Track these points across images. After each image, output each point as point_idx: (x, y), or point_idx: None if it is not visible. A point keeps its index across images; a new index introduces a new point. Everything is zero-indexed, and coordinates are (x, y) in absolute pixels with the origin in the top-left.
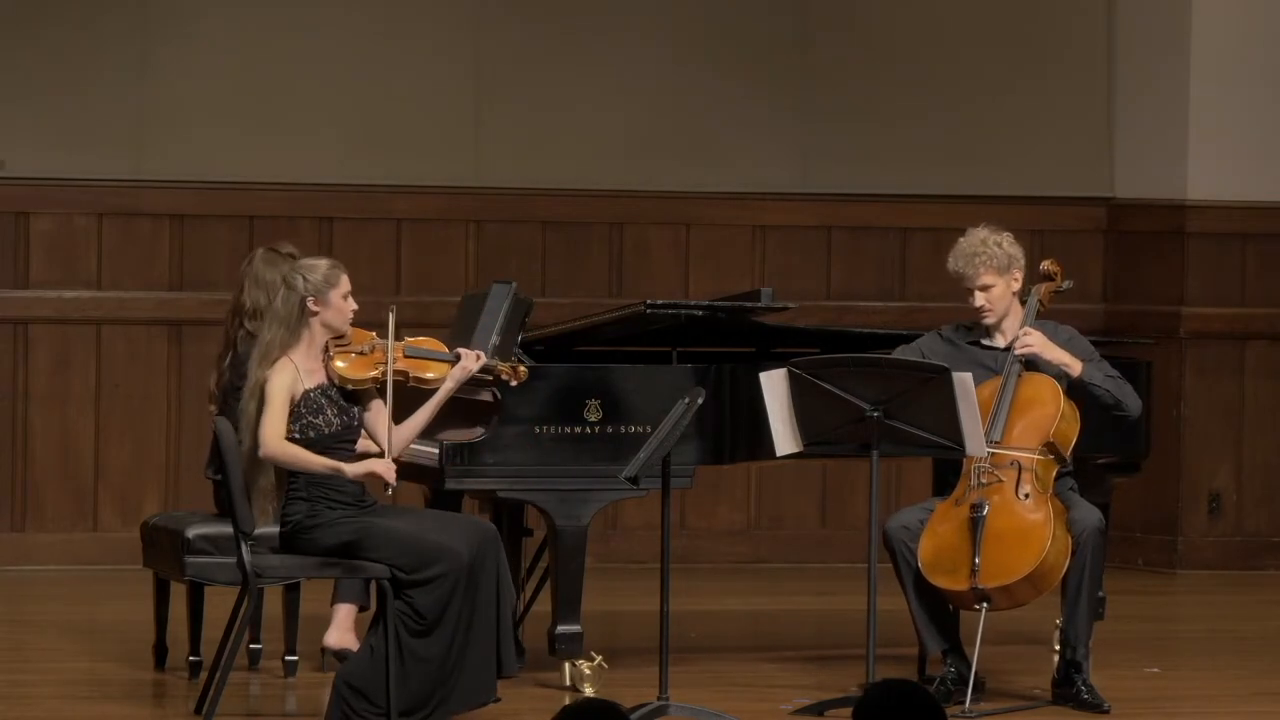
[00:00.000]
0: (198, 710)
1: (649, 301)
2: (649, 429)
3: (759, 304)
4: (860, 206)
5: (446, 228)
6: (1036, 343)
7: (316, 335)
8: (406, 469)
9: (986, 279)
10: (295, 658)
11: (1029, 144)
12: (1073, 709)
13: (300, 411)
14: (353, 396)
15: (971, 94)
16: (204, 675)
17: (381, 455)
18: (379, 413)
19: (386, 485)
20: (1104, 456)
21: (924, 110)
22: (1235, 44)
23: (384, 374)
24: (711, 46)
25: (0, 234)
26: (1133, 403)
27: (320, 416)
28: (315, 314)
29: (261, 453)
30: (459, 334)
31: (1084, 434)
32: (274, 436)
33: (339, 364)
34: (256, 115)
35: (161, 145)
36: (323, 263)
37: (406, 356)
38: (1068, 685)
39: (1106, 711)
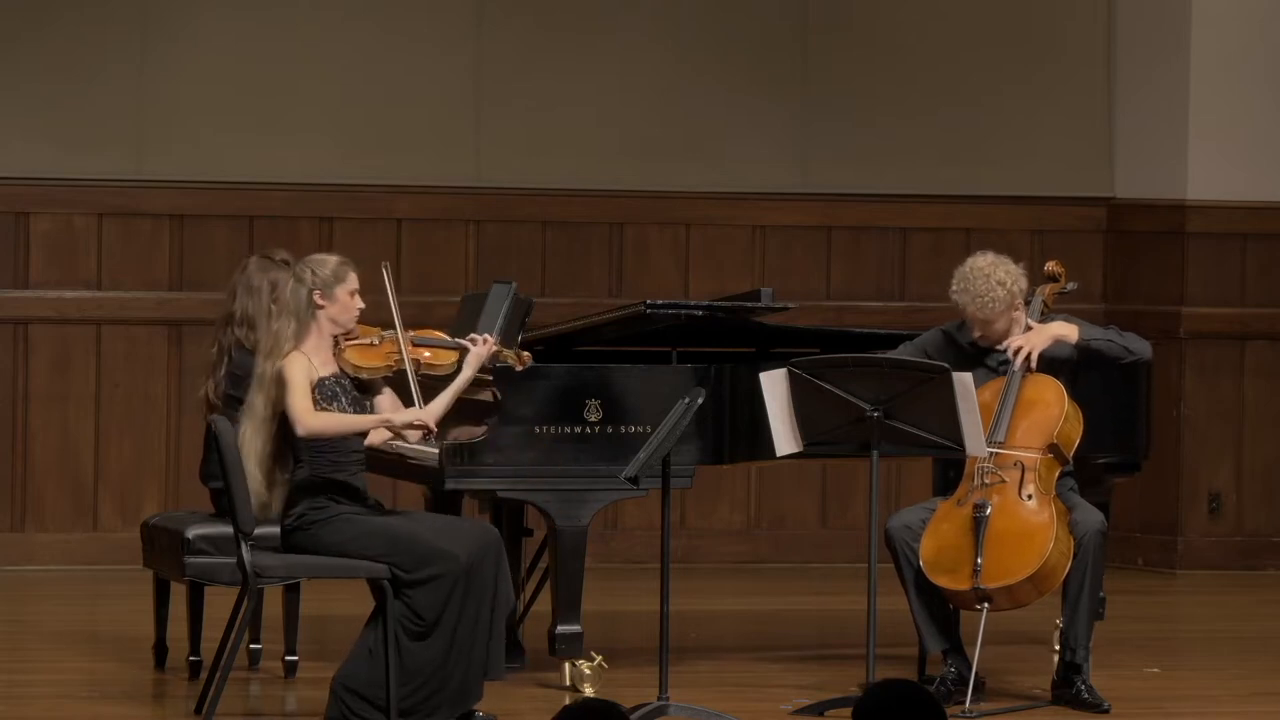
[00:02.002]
0: (198, 710)
1: (649, 301)
2: (649, 429)
3: (759, 304)
4: (860, 206)
5: (446, 228)
6: (1027, 343)
7: (324, 329)
8: (407, 469)
9: (990, 319)
10: (295, 658)
11: (1029, 144)
12: (1073, 709)
13: (315, 398)
14: (364, 387)
15: (971, 94)
16: (204, 675)
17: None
18: (391, 397)
19: (429, 432)
20: (1104, 456)
21: (924, 110)
22: (1235, 44)
23: (398, 363)
24: (711, 46)
25: (0, 234)
26: (1139, 345)
27: (335, 404)
28: (321, 308)
29: (302, 431)
30: (459, 334)
31: (1084, 434)
32: (307, 411)
33: (351, 355)
34: (256, 115)
35: (161, 145)
36: (332, 259)
37: (415, 345)
38: (1067, 686)
39: (1106, 711)
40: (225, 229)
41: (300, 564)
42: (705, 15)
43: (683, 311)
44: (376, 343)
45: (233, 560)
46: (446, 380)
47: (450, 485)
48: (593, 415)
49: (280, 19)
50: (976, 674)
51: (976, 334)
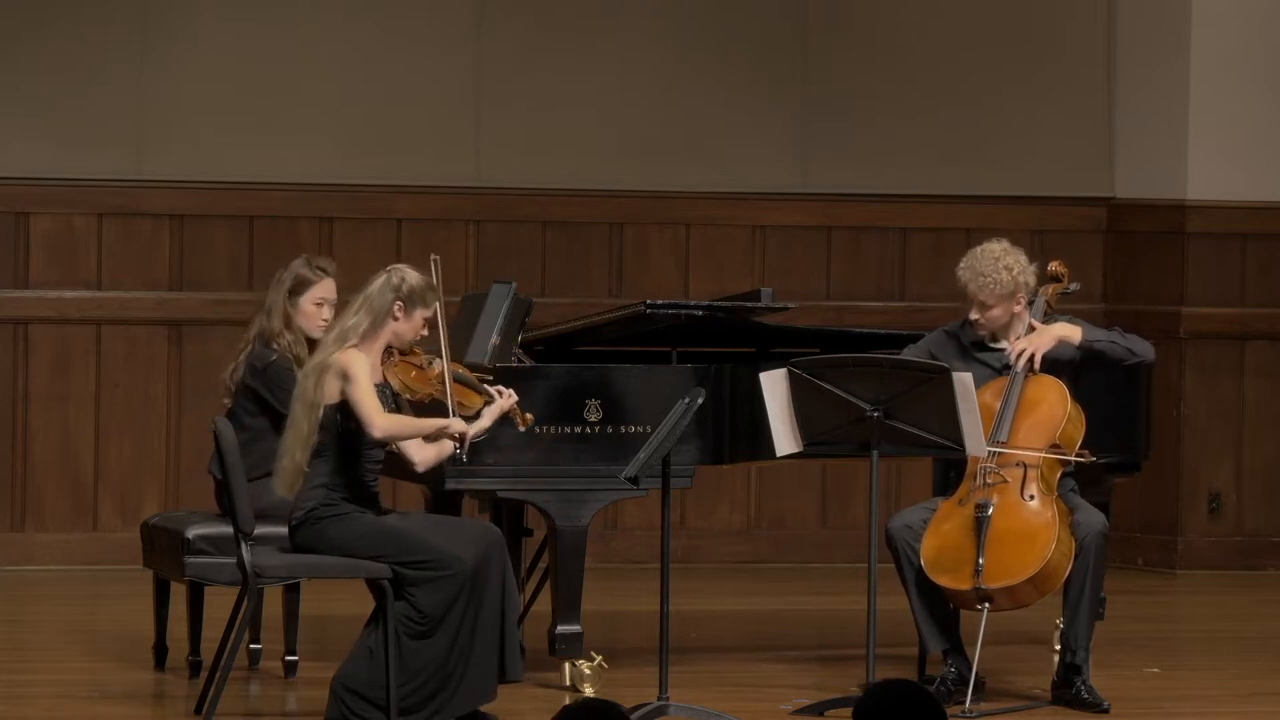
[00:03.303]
0: (198, 710)
1: (649, 301)
2: (649, 429)
3: (759, 304)
4: (860, 206)
5: (446, 228)
6: (1030, 345)
7: (384, 339)
8: (407, 469)
9: (988, 301)
10: (295, 658)
11: (1029, 144)
12: (1072, 709)
13: None
14: (398, 403)
15: (971, 94)
16: (204, 675)
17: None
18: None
19: (459, 446)
20: (1104, 456)
21: (924, 110)
22: (1235, 44)
23: (440, 392)
24: (711, 46)
25: (0, 234)
26: (1142, 348)
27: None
28: (395, 320)
29: (378, 434)
30: (458, 334)
31: (1084, 434)
32: (377, 412)
33: (402, 371)
34: (257, 115)
35: (162, 145)
36: (424, 278)
37: (455, 380)
38: (1067, 686)
39: (1106, 711)
40: (225, 229)
41: (300, 564)
42: (705, 15)
43: (683, 311)
44: (425, 365)
45: (233, 560)
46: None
47: (450, 485)
48: (593, 415)
49: (280, 19)
50: (977, 674)
51: (974, 317)
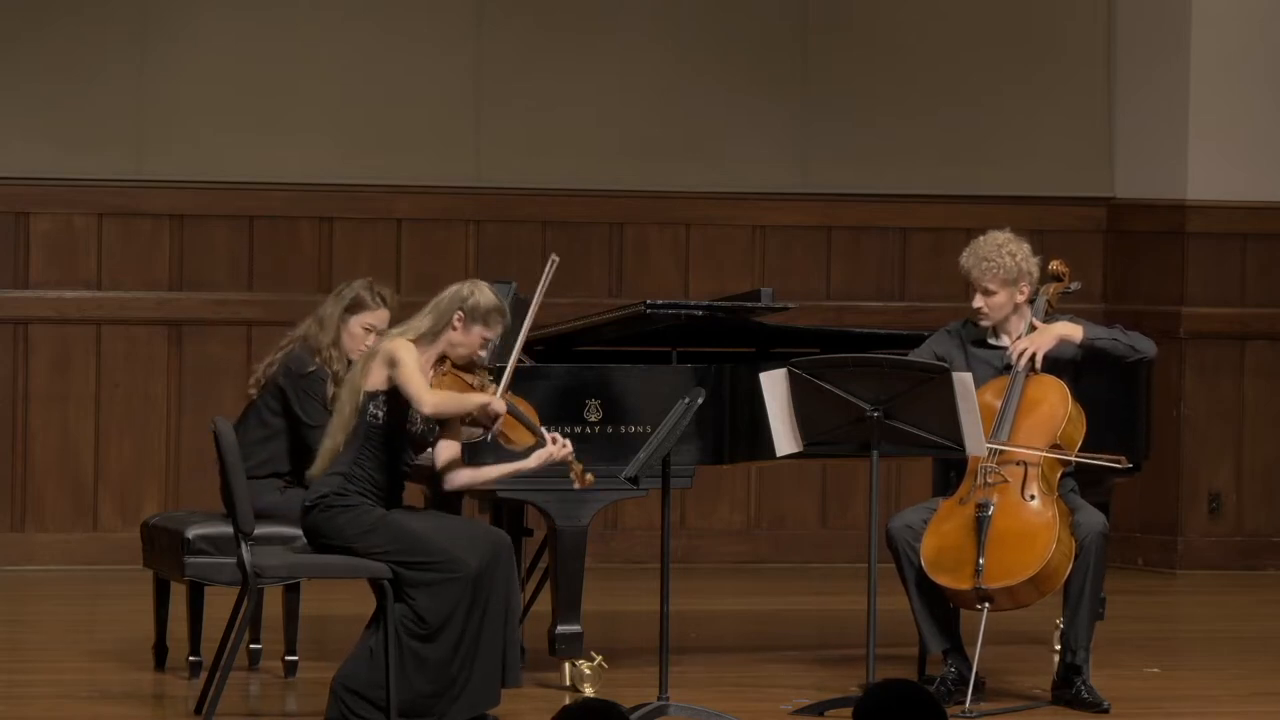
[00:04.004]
0: (198, 710)
1: (649, 301)
2: (649, 429)
3: (759, 304)
4: (860, 206)
5: (446, 228)
6: (1031, 344)
7: (440, 347)
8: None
9: (991, 286)
10: (295, 658)
11: (1029, 144)
12: (1072, 709)
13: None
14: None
15: (971, 94)
16: (204, 675)
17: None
18: (453, 442)
19: (487, 429)
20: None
21: (923, 110)
22: (1235, 44)
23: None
24: (711, 46)
25: (0, 234)
26: (1144, 344)
27: (413, 410)
28: (454, 330)
29: (429, 410)
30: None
31: (1085, 434)
32: (425, 389)
33: (451, 383)
34: (257, 115)
35: (162, 145)
36: (494, 301)
37: (507, 412)
38: (1067, 686)
39: (1106, 711)
40: (225, 229)
41: (301, 564)
42: (705, 15)
43: (683, 311)
44: (478, 386)
45: (233, 560)
46: (510, 454)
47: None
48: (593, 415)
49: (280, 19)
50: (977, 674)
51: (976, 304)
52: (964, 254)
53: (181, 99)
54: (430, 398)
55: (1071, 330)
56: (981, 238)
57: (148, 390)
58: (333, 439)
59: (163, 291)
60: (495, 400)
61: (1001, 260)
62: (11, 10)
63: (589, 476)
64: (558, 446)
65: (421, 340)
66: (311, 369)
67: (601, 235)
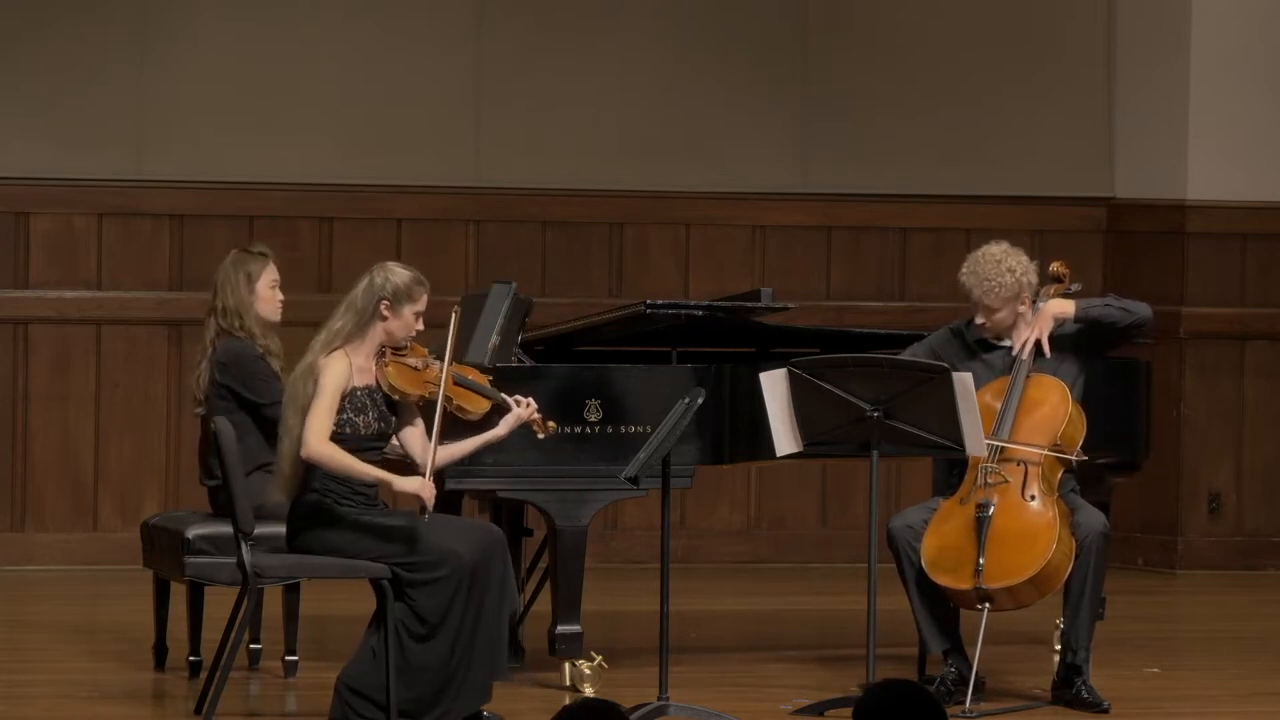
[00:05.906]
0: (198, 710)
1: (649, 301)
2: (649, 429)
3: (759, 304)
4: (860, 206)
5: (446, 228)
6: (1032, 332)
7: (377, 338)
8: (408, 469)
9: (994, 305)
10: (295, 658)
11: (1029, 144)
12: (1072, 709)
13: (344, 406)
14: (394, 405)
15: (971, 93)
16: (204, 675)
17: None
18: (416, 428)
19: (423, 508)
20: (1104, 456)
21: (923, 110)
22: (1235, 44)
23: (433, 394)
24: (711, 46)
25: (0, 234)
26: (1138, 307)
27: (361, 416)
28: (385, 319)
29: (304, 453)
30: (459, 335)
31: (1085, 434)
32: (319, 436)
33: (392, 372)
34: (256, 115)
35: (162, 145)
36: (409, 274)
37: (455, 384)
38: (1067, 686)
39: (1106, 711)
40: (225, 229)
41: (300, 564)
42: (705, 15)
43: (683, 311)
44: (420, 367)
45: (233, 560)
46: (472, 425)
47: (450, 485)
48: (593, 415)
49: (280, 19)
50: (977, 674)
51: (980, 320)
52: (964, 270)
53: (181, 99)
54: (316, 445)
55: (1063, 306)
56: (979, 254)
57: (148, 390)
58: (290, 460)
59: (163, 291)
60: (422, 487)
61: (1003, 279)
62: (11, 10)
63: (550, 424)
64: (523, 407)
65: (351, 341)
66: (240, 350)
67: (601, 235)
